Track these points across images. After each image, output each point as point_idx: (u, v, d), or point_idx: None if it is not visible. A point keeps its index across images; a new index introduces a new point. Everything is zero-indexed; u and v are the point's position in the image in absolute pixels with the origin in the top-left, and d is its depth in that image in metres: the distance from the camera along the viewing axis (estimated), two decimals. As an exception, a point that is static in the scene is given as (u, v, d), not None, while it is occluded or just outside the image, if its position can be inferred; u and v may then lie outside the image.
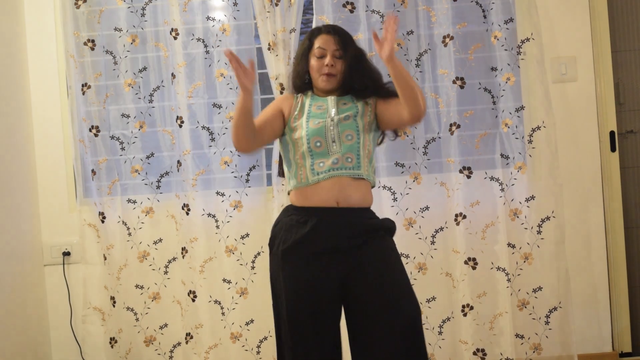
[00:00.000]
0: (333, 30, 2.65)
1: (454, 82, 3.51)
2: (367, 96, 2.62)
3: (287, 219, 2.57)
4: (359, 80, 2.61)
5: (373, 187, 2.62)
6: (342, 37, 2.63)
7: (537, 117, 3.54)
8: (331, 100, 2.61)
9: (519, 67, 3.52)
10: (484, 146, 3.55)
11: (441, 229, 3.53)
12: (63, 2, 3.61)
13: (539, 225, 3.52)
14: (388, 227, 2.58)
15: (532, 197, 3.52)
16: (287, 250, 2.51)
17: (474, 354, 3.49)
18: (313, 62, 2.63)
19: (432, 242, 3.54)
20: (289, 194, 2.63)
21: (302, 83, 2.69)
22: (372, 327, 2.44)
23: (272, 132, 2.60)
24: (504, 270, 3.49)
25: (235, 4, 3.59)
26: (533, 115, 3.56)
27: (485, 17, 3.54)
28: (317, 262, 2.48)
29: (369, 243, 2.49)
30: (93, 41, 3.64)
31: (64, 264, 3.70)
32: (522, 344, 3.53)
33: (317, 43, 2.63)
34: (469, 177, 3.52)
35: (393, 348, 2.41)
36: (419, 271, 3.54)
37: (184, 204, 3.57)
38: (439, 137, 3.54)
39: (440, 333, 3.55)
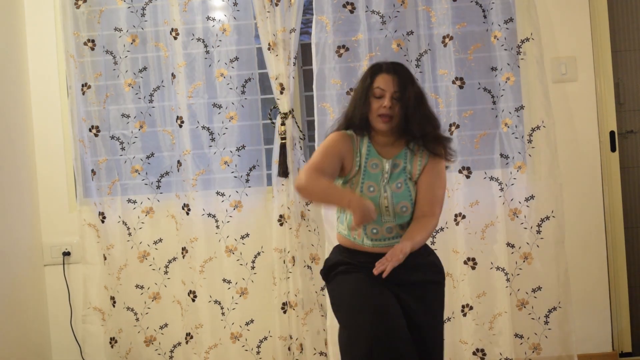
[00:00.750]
0: (394, 70, 2.57)
1: (453, 82, 3.50)
2: (427, 143, 2.56)
3: (340, 256, 2.60)
4: (416, 124, 2.53)
5: None
6: (402, 79, 2.55)
7: (537, 117, 3.53)
8: (388, 163, 2.56)
9: (518, 67, 3.52)
10: (483, 146, 3.54)
11: (441, 229, 3.53)
12: (63, 2, 3.61)
13: (539, 225, 3.52)
14: (439, 281, 2.62)
15: (532, 197, 3.52)
16: (349, 267, 2.54)
17: (474, 354, 3.49)
18: (372, 102, 2.54)
19: (432, 243, 3.53)
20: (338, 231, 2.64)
21: (361, 123, 2.58)
22: None
23: (332, 173, 2.55)
24: (503, 270, 3.49)
25: (235, 4, 3.59)
26: (533, 115, 3.55)
27: (485, 17, 3.54)
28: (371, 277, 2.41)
29: (419, 289, 2.52)
30: (93, 41, 3.64)
31: (64, 264, 3.70)
32: (521, 344, 3.53)
33: (377, 83, 2.54)
34: (468, 177, 3.52)
35: None
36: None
37: (184, 204, 3.57)
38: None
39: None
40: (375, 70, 2.58)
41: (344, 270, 2.54)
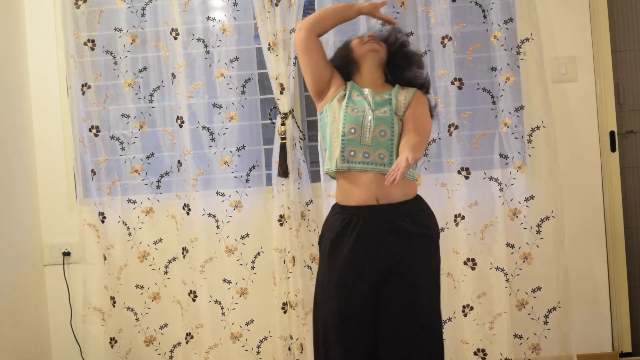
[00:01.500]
0: (369, 31, 2.90)
1: (452, 82, 3.50)
2: (414, 82, 2.77)
3: (333, 217, 2.67)
4: (404, 62, 2.78)
5: (415, 179, 2.67)
6: (379, 33, 2.82)
7: (537, 117, 3.54)
8: (368, 91, 2.69)
9: (518, 67, 3.52)
10: (482, 146, 3.54)
11: (442, 229, 3.53)
12: (63, 2, 3.61)
13: (538, 225, 3.52)
14: (430, 234, 2.63)
15: (532, 197, 3.51)
16: (333, 244, 2.61)
17: (475, 354, 3.50)
18: (354, 42, 2.78)
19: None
20: (328, 174, 2.73)
21: (345, 68, 2.80)
22: (388, 345, 2.54)
23: (323, 66, 2.77)
24: (502, 270, 3.49)
25: (235, 4, 3.60)
26: (532, 115, 3.56)
27: (485, 17, 3.54)
28: (359, 257, 2.56)
29: (406, 255, 2.56)
30: (93, 41, 3.64)
31: (64, 264, 3.70)
32: (520, 344, 3.53)
33: (355, 40, 2.81)
34: (467, 177, 3.52)
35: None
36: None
37: (185, 204, 3.57)
38: (439, 139, 3.54)
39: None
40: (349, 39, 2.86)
41: (330, 255, 2.61)
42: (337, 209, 2.67)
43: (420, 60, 2.85)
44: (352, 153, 2.58)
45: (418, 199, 2.67)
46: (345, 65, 2.80)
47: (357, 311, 2.56)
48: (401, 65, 2.79)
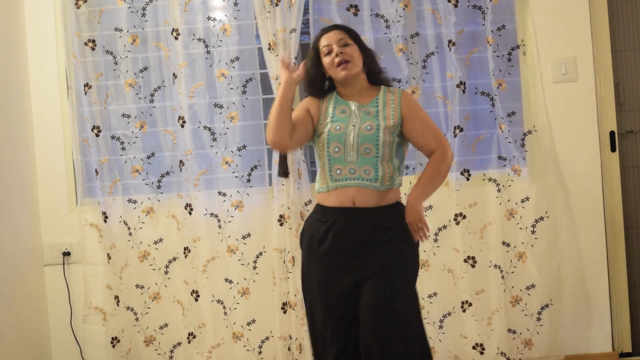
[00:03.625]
0: (332, 27, 2.70)
1: (457, 85, 3.52)
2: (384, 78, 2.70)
3: (313, 216, 2.68)
4: (374, 64, 2.68)
5: (400, 185, 2.67)
6: (343, 28, 2.69)
7: (534, 119, 3.58)
8: (355, 105, 2.63)
9: (517, 69, 3.55)
10: (481, 148, 3.57)
11: (444, 227, 3.56)
12: (63, 2, 3.61)
13: (533, 226, 3.54)
14: (404, 230, 2.58)
15: (527, 199, 3.55)
16: (310, 245, 2.62)
17: (473, 348, 3.54)
18: (325, 61, 2.64)
19: (435, 240, 3.55)
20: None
21: (320, 89, 2.71)
22: (368, 332, 2.49)
23: (306, 131, 2.65)
24: (499, 267, 3.53)
25: (235, 4, 3.60)
26: (530, 118, 3.59)
27: (484, 19, 3.55)
28: (334, 260, 2.57)
29: (378, 249, 2.54)
30: (94, 41, 3.63)
31: (64, 264, 3.70)
32: (514, 339, 3.57)
33: (322, 43, 2.65)
34: (467, 179, 3.55)
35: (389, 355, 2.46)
36: (421, 267, 3.56)
37: (187, 204, 3.57)
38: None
39: (440, 327, 3.58)
40: (317, 38, 2.70)
41: (309, 253, 2.63)
42: (317, 208, 2.67)
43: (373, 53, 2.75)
44: (338, 171, 2.58)
45: (397, 205, 2.64)
46: (322, 78, 2.71)
47: (339, 309, 2.57)
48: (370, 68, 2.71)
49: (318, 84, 2.70)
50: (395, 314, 2.46)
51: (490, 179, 3.55)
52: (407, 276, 2.58)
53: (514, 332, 3.56)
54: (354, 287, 2.55)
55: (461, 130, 3.53)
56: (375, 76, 2.70)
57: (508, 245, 3.55)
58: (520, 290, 3.56)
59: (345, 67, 2.59)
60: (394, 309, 2.47)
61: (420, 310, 2.65)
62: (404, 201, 2.64)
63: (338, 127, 2.58)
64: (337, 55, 2.60)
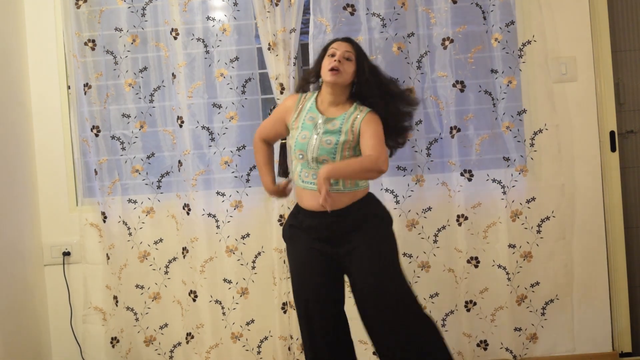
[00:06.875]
0: (347, 39, 2.91)
1: (454, 85, 3.51)
2: (378, 108, 2.82)
3: (293, 212, 2.94)
4: (369, 90, 2.83)
5: (367, 187, 2.88)
6: (356, 47, 2.88)
7: (539, 120, 3.56)
8: (322, 119, 2.83)
9: (520, 69, 3.54)
10: (485, 148, 3.56)
11: (443, 227, 3.55)
12: (63, 2, 3.61)
13: (539, 225, 3.54)
14: (376, 214, 2.84)
15: (533, 199, 3.54)
16: (292, 227, 2.89)
17: (477, 345, 3.57)
18: (325, 61, 2.86)
19: (435, 241, 3.55)
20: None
21: (308, 82, 2.96)
22: (364, 309, 2.80)
23: (279, 135, 3.04)
24: (504, 268, 3.53)
25: (235, 4, 3.60)
26: (535, 118, 3.57)
27: (485, 18, 3.54)
28: (311, 248, 2.84)
29: (355, 235, 2.79)
30: (94, 41, 3.64)
31: (64, 264, 3.70)
32: (519, 335, 3.57)
33: (332, 47, 2.88)
34: (469, 179, 3.53)
35: (386, 328, 2.76)
36: (422, 269, 3.56)
37: (185, 204, 3.57)
38: (441, 138, 3.55)
39: (443, 326, 3.59)
40: (332, 41, 2.93)
41: (290, 238, 2.91)
42: (297, 206, 2.92)
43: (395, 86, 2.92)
44: (305, 174, 2.82)
45: (366, 197, 2.85)
46: (317, 75, 2.92)
47: (315, 295, 2.82)
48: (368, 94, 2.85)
49: (311, 81, 2.95)
50: (386, 291, 2.76)
51: (494, 180, 3.55)
52: (388, 247, 2.83)
53: (520, 329, 3.58)
54: (337, 264, 2.82)
55: (459, 130, 3.52)
56: (362, 98, 2.86)
57: (514, 246, 3.55)
58: (525, 289, 3.58)
59: (334, 74, 2.79)
60: (384, 287, 2.76)
61: (403, 272, 2.86)
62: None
63: (304, 137, 2.82)
64: (335, 60, 2.80)
